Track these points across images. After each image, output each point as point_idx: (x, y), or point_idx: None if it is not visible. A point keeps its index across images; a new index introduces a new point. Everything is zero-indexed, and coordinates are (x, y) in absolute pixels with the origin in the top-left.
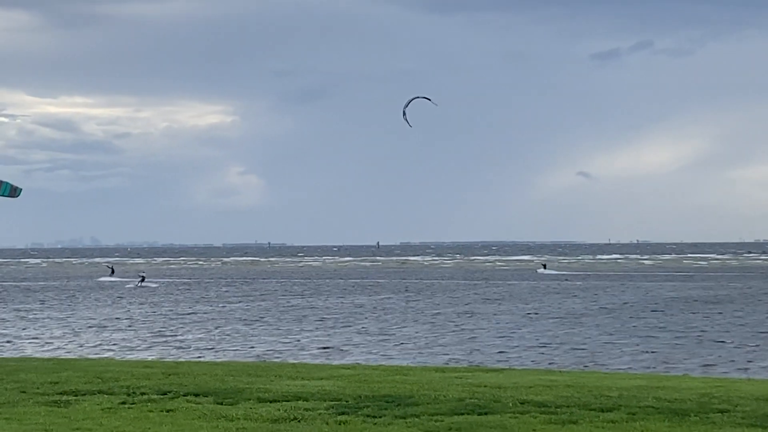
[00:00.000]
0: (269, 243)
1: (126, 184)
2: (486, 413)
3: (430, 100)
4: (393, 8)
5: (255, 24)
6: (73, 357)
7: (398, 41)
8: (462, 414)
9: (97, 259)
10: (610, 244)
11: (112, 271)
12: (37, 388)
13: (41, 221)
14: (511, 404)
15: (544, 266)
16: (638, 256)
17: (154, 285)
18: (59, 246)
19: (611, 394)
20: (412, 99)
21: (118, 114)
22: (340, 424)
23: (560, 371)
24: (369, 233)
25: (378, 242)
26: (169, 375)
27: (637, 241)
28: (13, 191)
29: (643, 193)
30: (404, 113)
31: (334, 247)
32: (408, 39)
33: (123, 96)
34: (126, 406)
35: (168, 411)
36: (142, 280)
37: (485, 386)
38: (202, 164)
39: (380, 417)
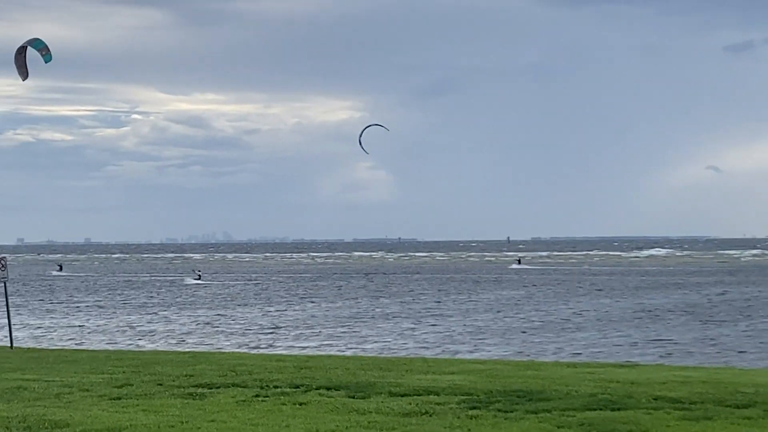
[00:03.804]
0: (399, 238)
1: (256, 180)
2: (619, 409)
3: (382, 126)
4: (521, 2)
5: (383, 19)
6: (209, 350)
7: (527, 34)
8: (594, 409)
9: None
10: (744, 239)
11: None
12: (173, 381)
13: (175, 217)
14: (644, 400)
15: (519, 261)
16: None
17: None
18: (192, 241)
19: (747, 391)
20: (366, 127)
21: (248, 110)
22: (471, 419)
23: (694, 367)
24: (499, 228)
25: (508, 237)
26: (301, 369)
27: None
28: (47, 50)
29: None
30: (360, 142)
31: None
32: (537, 32)
33: (253, 92)
34: (259, 399)
35: (300, 404)
36: (199, 278)
37: (617, 382)
38: (331, 159)
39: (512, 412)
